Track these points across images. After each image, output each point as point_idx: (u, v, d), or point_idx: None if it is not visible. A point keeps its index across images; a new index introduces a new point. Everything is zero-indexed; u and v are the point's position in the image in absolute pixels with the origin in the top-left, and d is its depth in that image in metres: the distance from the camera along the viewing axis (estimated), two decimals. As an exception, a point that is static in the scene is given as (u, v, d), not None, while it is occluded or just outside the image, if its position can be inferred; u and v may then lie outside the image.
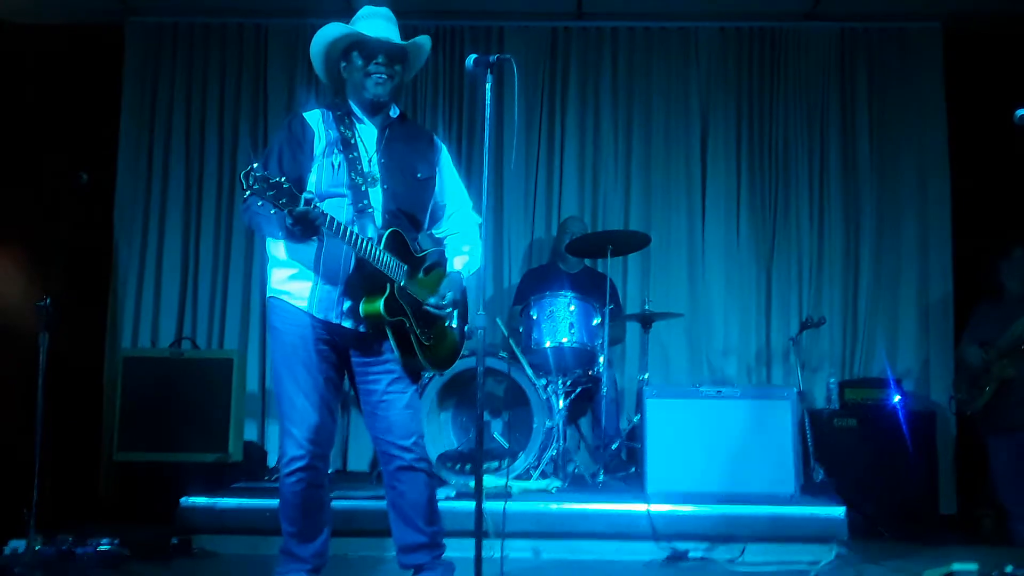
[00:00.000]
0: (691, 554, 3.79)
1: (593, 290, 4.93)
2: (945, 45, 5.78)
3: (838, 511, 3.89)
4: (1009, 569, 3.34)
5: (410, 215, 2.94)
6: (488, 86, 2.65)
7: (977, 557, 3.51)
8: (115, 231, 5.76)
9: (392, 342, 2.83)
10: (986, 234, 5.39)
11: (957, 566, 3.36)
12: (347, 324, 2.84)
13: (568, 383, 4.66)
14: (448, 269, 3.07)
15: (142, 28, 5.89)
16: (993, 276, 4.93)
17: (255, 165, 2.46)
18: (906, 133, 5.79)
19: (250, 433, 5.38)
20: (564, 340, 4.54)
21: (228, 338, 5.72)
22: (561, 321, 4.56)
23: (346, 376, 2.98)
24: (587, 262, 5.40)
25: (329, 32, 2.91)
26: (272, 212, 2.52)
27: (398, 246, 2.82)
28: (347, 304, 2.82)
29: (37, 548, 3.51)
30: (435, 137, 3.16)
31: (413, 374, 2.93)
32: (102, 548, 3.71)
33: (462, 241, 3.14)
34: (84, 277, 5.39)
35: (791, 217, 5.80)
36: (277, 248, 2.89)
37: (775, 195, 5.82)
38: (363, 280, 2.79)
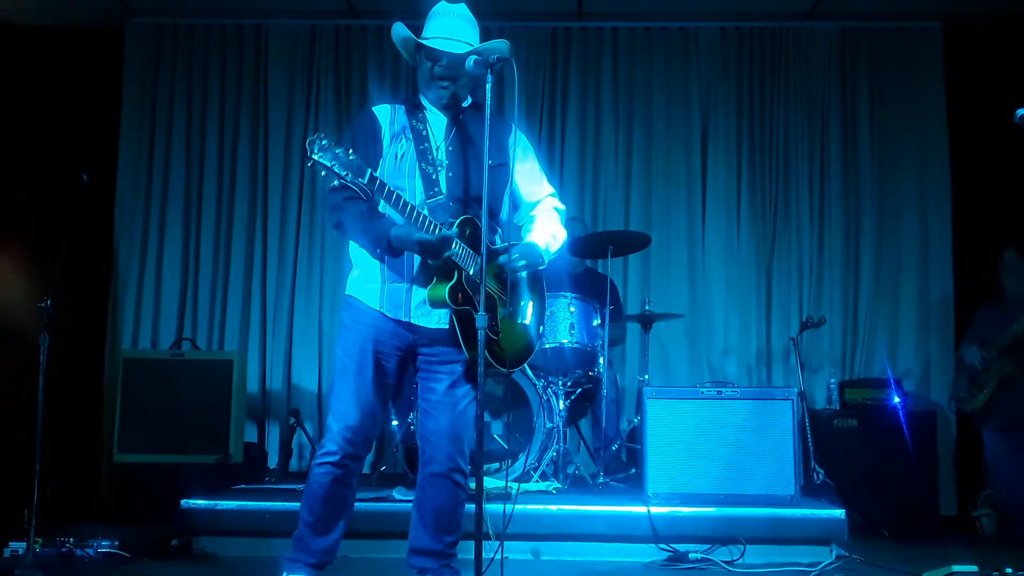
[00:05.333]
0: (691, 555, 3.78)
1: (594, 291, 4.92)
2: (945, 45, 5.78)
3: (838, 512, 3.88)
4: (1009, 570, 3.33)
5: (481, 202, 2.75)
6: (488, 87, 2.64)
7: (977, 558, 3.51)
8: (115, 231, 5.76)
9: (457, 332, 2.77)
10: (986, 234, 5.39)
11: (957, 567, 3.35)
12: (418, 321, 2.82)
13: (568, 384, 4.65)
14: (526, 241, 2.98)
15: (142, 29, 5.89)
16: (993, 279, 4.93)
17: (320, 134, 2.44)
18: (906, 133, 5.79)
19: (250, 434, 5.40)
20: (564, 341, 4.54)
21: (228, 339, 5.73)
22: (561, 322, 4.55)
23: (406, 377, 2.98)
24: (588, 263, 5.40)
25: (396, 33, 2.89)
26: (336, 184, 2.51)
27: (471, 235, 2.73)
28: (416, 300, 2.81)
29: (37, 549, 3.51)
30: (511, 123, 2.99)
31: (476, 378, 2.77)
32: (102, 549, 3.71)
33: (541, 221, 3.05)
34: (84, 277, 5.40)
35: (791, 217, 5.80)
36: (353, 251, 2.91)
37: (775, 195, 5.82)
38: (430, 269, 2.76)
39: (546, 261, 3.02)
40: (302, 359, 5.76)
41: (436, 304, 2.77)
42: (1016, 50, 5.49)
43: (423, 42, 2.83)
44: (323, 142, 2.44)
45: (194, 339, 5.55)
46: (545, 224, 3.06)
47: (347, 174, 2.47)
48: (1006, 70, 5.40)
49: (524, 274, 2.97)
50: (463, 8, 2.91)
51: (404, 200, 2.64)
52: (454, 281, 2.72)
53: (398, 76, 5.83)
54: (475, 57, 2.71)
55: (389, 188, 2.61)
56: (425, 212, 2.71)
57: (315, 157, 2.43)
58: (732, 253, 5.79)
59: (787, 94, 5.86)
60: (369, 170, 2.52)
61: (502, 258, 2.81)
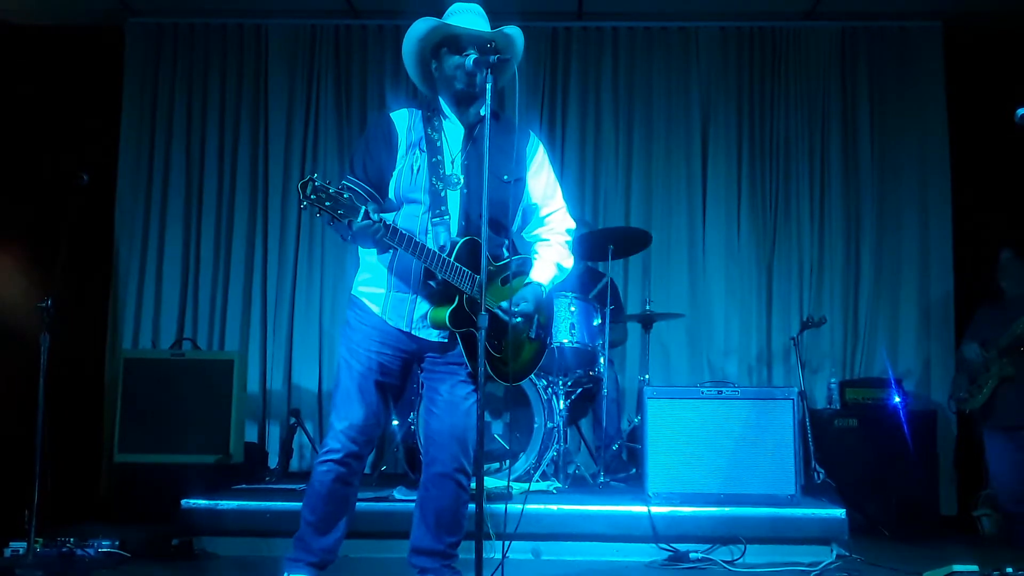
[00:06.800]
0: (692, 555, 3.78)
1: (594, 290, 4.92)
2: (946, 44, 5.78)
3: (839, 512, 3.88)
4: (1009, 570, 3.33)
5: (493, 219, 2.76)
6: (488, 87, 2.64)
7: (977, 558, 3.51)
8: (115, 231, 5.76)
9: (462, 351, 2.80)
10: (987, 234, 5.40)
11: (958, 567, 3.36)
12: (419, 333, 2.83)
13: (569, 383, 4.65)
14: (528, 280, 2.95)
15: (142, 28, 5.90)
16: (992, 280, 4.93)
17: (314, 176, 2.44)
18: (906, 132, 5.80)
19: (251, 434, 5.40)
20: (565, 340, 4.54)
21: (229, 339, 5.74)
22: (562, 321, 4.55)
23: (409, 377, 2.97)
24: (588, 262, 5.39)
25: (419, 28, 2.81)
26: (330, 224, 2.50)
27: (472, 255, 2.71)
28: (418, 313, 2.82)
29: (38, 549, 3.52)
30: (532, 134, 2.99)
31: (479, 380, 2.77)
32: (103, 549, 3.71)
33: (549, 248, 3.03)
34: (84, 277, 5.39)
35: (792, 217, 5.81)
36: (362, 253, 2.90)
37: (776, 195, 5.83)
38: (433, 289, 2.77)
39: (547, 294, 2.99)
40: (302, 359, 5.77)
41: (437, 326, 2.80)
42: (1016, 50, 5.49)
43: (452, 27, 2.76)
44: (317, 184, 2.42)
45: (194, 339, 5.56)
46: (551, 253, 3.03)
47: (341, 212, 2.47)
48: (1006, 70, 5.41)
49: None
50: (478, 7, 2.89)
51: (400, 233, 2.62)
52: (455, 305, 2.74)
53: (399, 76, 5.82)
54: (474, 55, 2.71)
55: (385, 223, 2.58)
56: (424, 239, 2.71)
57: (312, 199, 2.42)
58: (732, 253, 5.79)
59: (787, 94, 5.87)
60: (363, 208, 2.50)
61: (504, 304, 2.82)
